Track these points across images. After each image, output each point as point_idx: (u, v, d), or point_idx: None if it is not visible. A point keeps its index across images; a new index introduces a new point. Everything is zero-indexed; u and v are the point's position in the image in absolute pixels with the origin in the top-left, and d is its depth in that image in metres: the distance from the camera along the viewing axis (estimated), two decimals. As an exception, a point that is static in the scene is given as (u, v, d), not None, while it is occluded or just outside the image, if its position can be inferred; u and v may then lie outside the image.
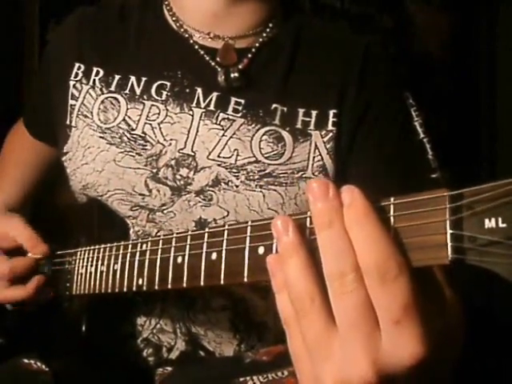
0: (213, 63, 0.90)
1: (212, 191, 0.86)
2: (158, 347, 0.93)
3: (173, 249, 0.67)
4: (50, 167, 1.14)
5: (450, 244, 0.40)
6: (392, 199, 0.44)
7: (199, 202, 0.86)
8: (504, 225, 0.37)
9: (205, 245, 0.61)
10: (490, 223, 0.38)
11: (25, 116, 1.16)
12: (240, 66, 0.89)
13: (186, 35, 0.92)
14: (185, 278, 0.65)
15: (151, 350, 0.94)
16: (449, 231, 0.40)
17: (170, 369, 0.94)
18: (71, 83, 0.95)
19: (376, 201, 0.45)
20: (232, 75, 0.88)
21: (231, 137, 0.86)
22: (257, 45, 0.91)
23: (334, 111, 0.86)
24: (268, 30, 0.92)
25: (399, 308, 0.43)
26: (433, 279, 0.47)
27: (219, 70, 0.89)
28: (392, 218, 0.44)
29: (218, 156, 0.86)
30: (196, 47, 0.91)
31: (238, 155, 0.85)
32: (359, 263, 0.44)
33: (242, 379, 0.84)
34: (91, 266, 0.86)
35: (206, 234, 0.61)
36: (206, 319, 0.92)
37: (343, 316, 0.45)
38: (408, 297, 0.42)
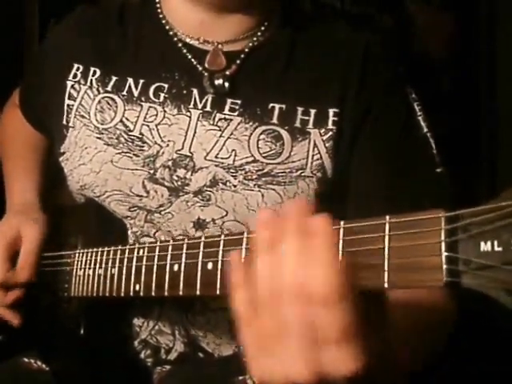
0: (200, 68, 0.89)
1: (210, 191, 0.85)
2: (157, 349, 0.93)
3: (169, 256, 0.67)
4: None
5: (444, 266, 0.40)
6: (387, 218, 0.44)
7: (197, 202, 0.86)
8: (500, 248, 0.36)
9: (201, 254, 0.61)
10: (485, 246, 0.37)
11: (21, 105, 1.12)
12: (227, 72, 0.88)
13: (176, 38, 0.91)
14: (181, 286, 0.65)
15: (149, 352, 0.93)
16: (444, 253, 0.40)
17: (168, 367, 0.94)
18: (69, 83, 0.94)
19: (369, 219, 0.46)
20: (216, 82, 0.87)
21: (229, 137, 0.86)
22: (246, 50, 0.90)
23: (335, 110, 0.85)
24: (260, 33, 0.91)
25: (337, 330, 0.46)
26: (373, 299, 0.49)
27: (205, 75, 0.88)
28: (387, 238, 0.44)
29: (216, 157, 0.85)
30: (184, 51, 0.90)
31: (235, 156, 0.85)
32: (305, 286, 0.46)
33: (241, 378, 0.84)
34: (89, 268, 0.86)
35: (202, 244, 0.62)
36: (205, 321, 0.91)
37: (286, 326, 0.48)
38: (346, 321, 0.46)
